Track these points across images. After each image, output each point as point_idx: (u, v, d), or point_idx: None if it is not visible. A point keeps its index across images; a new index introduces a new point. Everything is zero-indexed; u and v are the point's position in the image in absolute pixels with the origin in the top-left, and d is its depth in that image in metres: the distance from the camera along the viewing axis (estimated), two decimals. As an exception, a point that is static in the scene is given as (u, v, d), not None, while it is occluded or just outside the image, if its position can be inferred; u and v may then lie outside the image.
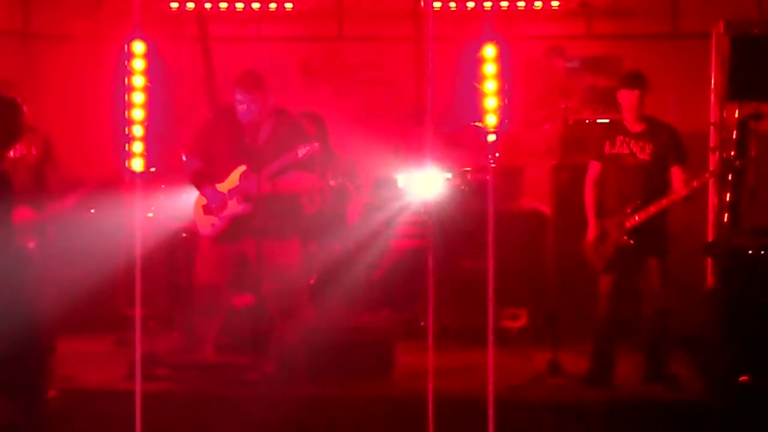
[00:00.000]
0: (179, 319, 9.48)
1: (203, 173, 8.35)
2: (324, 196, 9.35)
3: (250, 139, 8.21)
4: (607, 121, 9.28)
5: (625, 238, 8.03)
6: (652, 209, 7.98)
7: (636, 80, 8.16)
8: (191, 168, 8.44)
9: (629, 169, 8.10)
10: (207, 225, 8.32)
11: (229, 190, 8.19)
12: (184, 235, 9.61)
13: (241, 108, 8.21)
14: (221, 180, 8.25)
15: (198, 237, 8.56)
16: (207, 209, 8.29)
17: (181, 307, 9.36)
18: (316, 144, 8.20)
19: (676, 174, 8.05)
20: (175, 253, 9.75)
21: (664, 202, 7.98)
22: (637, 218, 8.00)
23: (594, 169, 8.31)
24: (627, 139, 8.14)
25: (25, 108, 7.64)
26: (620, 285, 8.16)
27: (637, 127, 8.15)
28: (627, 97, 8.13)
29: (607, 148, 8.21)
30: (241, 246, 8.23)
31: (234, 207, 8.18)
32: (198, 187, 8.39)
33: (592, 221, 8.22)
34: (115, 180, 8.65)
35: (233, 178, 8.18)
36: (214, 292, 8.40)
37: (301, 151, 8.08)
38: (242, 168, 8.15)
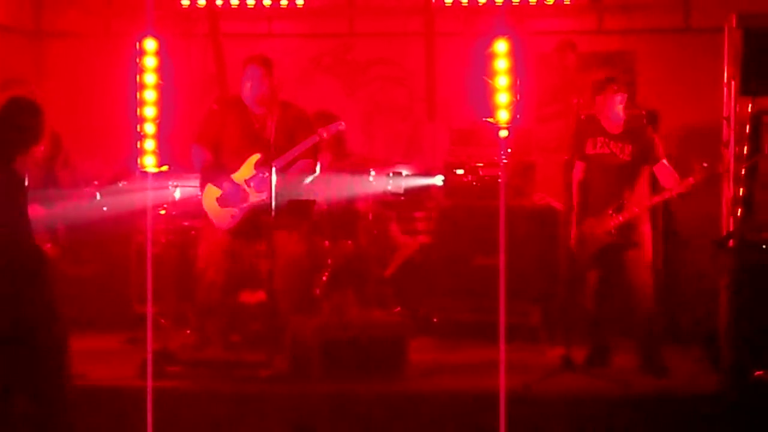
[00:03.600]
0: (191, 316, 9.46)
1: (214, 165, 8.30)
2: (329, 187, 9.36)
3: (259, 128, 8.17)
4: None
5: (611, 234, 8.26)
6: (642, 206, 8.25)
7: (616, 86, 8.37)
8: (201, 160, 8.40)
9: (611, 169, 8.34)
10: (225, 217, 8.23)
11: (245, 180, 8.15)
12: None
13: (249, 85, 8.20)
14: (233, 170, 8.21)
15: (205, 231, 8.52)
16: (223, 201, 8.22)
17: (193, 304, 9.33)
18: (342, 123, 8.22)
19: (663, 170, 8.29)
20: (186, 250, 9.74)
21: (655, 199, 8.29)
22: (621, 218, 8.23)
23: (579, 168, 8.53)
24: (607, 140, 8.37)
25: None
26: (607, 280, 8.43)
27: (616, 129, 8.38)
28: (608, 102, 8.33)
29: (589, 148, 8.43)
30: (254, 239, 8.18)
31: (254, 196, 8.12)
32: (211, 180, 8.32)
33: (574, 222, 8.42)
34: (126, 177, 8.63)
35: (248, 167, 8.12)
36: (221, 289, 8.35)
37: (326, 132, 8.09)
38: (256, 156, 8.10)
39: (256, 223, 8.11)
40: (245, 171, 8.14)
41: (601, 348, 8.50)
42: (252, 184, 8.12)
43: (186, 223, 9.85)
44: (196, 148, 8.43)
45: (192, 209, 9.89)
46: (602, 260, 8.39)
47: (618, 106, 8.35)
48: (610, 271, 8.41)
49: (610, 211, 8.26)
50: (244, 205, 8.17)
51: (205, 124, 8.54)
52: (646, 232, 8.39)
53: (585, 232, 8.36)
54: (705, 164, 8.08)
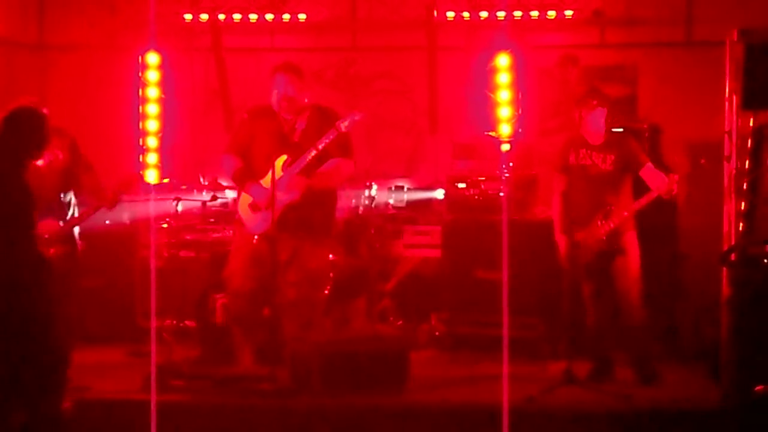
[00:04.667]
0: (196, 329, 9.45)
1: (244, 171, 8.27)
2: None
3: (288, 133, 8.17)
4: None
5: (603, 243, 8.33)
6: (630, 209, 8.31)
7: (601, 99, 8.50)
8: (231, 169, 8.35)
9: (593, 179, 8.42)
10: (259, 222, 8.14)
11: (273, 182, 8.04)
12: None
13: (276, 92, 8.19)
14: (264, 176, 8.10)
15: (235, 240, 8.46)
16: (254, 206, 8.17)
17: (200, 318, 9.31)
18: (358, 113, 8.18)
19: (650, 173, 8.35)
20: (189, 263, 9.75)
21: (643, 201, 8.28)
22: (611, 224, 8.31)
23: (560, 182, 8.60)
24: (589, 152, 8.48)
25: (45, 111, 7.64)
26: (602, 288, 8.48)
27: (598, 140, 8.47)
28: (588, 116, 8.43)
29: (572, 159, 8.52)
30: (280, 246, 8.06)
31: (284, 197, 8.01)
32: (241, 186, 8.28)
33: (561, 234, 8.49)
34: (128, 191, 8.60)
35: (276, 170, 7.97)
36: (247, 297, 8.33)
37: (343, 124, 8.04)
38: (283, 158, 8.05)
39: (291, 225, 8.05)
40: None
41: (604, 362, 8.52)
42: (281, 185, 8.01)
43: (188, 237, 9.87)
44: (226, 158, 8.40)
45: (194, 223, 9.94)
46: (596, 270, 8.43)
47: (598, 120, 8.41)
48: (604, 280, 8.46)
49: (599, 221, 8.32)
50: (275, 207, 8.03)
51: (235, 133, 8.55)
52: (631, 240, 8.42)
53: (577, 243, 8.39)
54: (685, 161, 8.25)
